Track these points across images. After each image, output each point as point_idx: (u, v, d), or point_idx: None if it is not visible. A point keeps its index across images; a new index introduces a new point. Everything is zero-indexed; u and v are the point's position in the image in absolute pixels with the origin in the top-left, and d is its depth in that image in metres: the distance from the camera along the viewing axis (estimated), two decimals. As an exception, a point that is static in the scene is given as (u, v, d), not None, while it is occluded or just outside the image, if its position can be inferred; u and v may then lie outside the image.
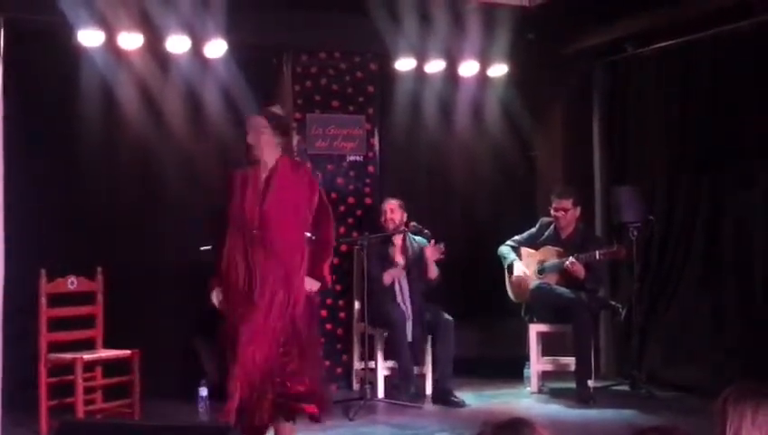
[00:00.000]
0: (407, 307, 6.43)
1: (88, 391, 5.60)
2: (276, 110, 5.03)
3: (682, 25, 6.61)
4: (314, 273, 4.86)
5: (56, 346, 5.58)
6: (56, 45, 6.06)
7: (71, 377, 5.45)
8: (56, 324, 5.60)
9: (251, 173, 4.84)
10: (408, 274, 6.55)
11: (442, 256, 6.52)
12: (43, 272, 5.52)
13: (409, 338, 6.33)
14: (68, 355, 5.52)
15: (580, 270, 6.42)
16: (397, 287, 6.48)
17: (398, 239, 6.61)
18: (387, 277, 6.46)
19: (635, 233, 6.65)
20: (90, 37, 5.99)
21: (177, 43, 6.22)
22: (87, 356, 5.57)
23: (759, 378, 3.02)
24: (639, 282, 6.76)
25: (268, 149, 4.81)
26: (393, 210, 6.54)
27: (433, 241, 6.51)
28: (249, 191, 4.79)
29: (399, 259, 6.56)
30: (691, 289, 6.76)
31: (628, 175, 7.28)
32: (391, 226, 6.53)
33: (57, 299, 5.62)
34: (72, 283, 5.70)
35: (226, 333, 4.76)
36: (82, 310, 5.78)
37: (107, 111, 6.38)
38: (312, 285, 4.84)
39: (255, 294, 4.68)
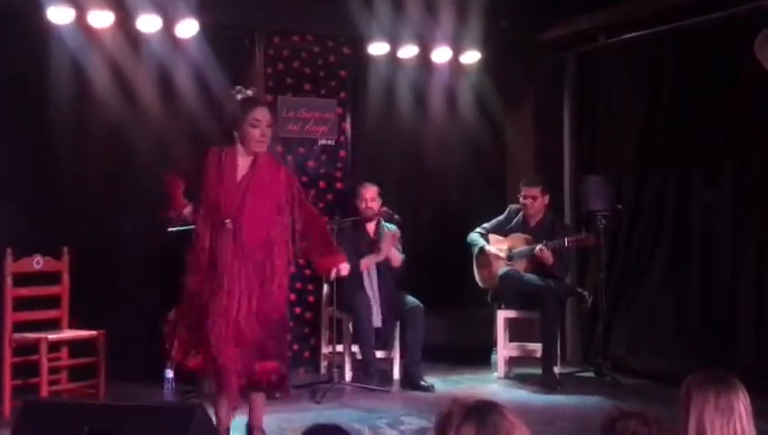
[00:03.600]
0: (374, 293, 6.42)
1: (53, 371, 5.57)
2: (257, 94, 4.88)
3: (653, 17, 6.65)
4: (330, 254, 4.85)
5: (21, 326, 5.52)
6: (25, 22, 5.96)
7: (35, 357, 5.40)
8: (21, 304, 5.54)
9: (227, 155, 4.43)
10: (377, 260, 6.54)
11: (397, 241, 6.50)
12: (8, 251, 5.46)
13: (377, 324, 6.34)
14: (33, 335, 5.47)
15: (548, 257, 6.46)
16: (365, 273, 6.47)
17: (370, 225, 6.61)
18: (363, 263, 6.41)
19: (603, 222, 6.69)
20: (59, 14, 5.92)
21: (149, 23, 6.17)
22: (52, 336, 5.52)
23: (721, 365, 3.07)
24: (606, 270, 6.81)
25: None
26: (374, 198, 6.51)
27: (393, 230, 6.50)
28: (226, 175, 4.39)
29: (386, 247, 6.42)
30: (657, 278, 6.83)
31: (598, 164, 7.33)
32: (371, 213, 6.51)
33: (22, 278, 5.56)
34: (37, 262, 5.64)
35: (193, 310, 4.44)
36: (48, 290, 5.73)
37: (76, 89, 6.29)
38: (344, 269, 4.93)
39: (222, 294, 4.32)
